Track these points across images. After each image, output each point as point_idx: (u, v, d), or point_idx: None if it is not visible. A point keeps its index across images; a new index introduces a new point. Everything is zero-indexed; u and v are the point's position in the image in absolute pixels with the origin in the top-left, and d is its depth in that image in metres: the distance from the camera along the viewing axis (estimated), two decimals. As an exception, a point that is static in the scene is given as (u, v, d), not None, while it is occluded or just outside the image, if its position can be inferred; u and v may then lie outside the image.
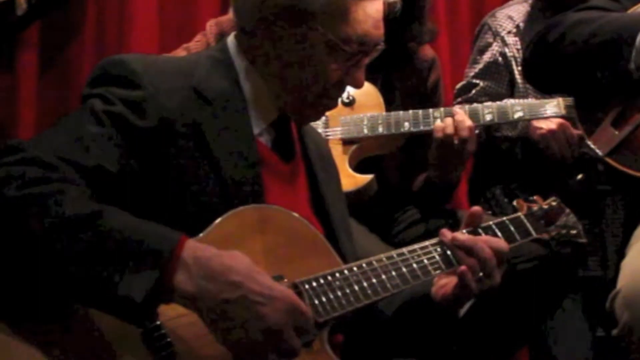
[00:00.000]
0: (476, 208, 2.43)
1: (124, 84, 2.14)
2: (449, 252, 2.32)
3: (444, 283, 2.31)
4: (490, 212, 3.73)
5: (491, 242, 2.32)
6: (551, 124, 3.58)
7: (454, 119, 3.28)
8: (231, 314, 1.90)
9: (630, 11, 2.75)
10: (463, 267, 2.26)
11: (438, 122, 3.32)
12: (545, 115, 3.44)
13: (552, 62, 2.72)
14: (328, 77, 2.26)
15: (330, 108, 2.39)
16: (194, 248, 1.92)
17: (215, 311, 1.91)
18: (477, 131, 3.67)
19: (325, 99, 2.32)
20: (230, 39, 2.35)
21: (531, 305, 3.18)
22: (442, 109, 3.39)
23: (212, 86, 2.24)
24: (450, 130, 3.26)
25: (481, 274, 2.28)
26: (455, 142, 3.26)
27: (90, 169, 2.02)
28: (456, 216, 3.43)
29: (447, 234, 2.33)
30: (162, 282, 1.87)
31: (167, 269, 1.88)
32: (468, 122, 3.27)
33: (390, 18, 2.34)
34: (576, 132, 3.45)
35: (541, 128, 3.61)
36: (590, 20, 2.69)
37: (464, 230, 2.39)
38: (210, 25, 3.56)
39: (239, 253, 1.96)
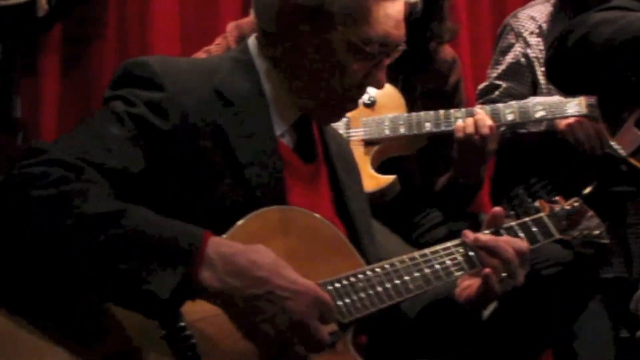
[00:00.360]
0: (497, 209, 2.43)
1: (146, 86, 2.15)
2: (471, 253, 2.31)
3: (467, 285, 2.31)
4: (512, 212, 3.70)
5: (513, 243, 2.33)
6: None
7: (474, 119, 3.27)
8: (257, 310, 1.91)
9: (651, 11, 2.73)
10: (487, 269, 2.26)
11: (459, 122, 3.32)
12: (566, 114, 3.42)
13: (575, 62, 2.71)
14: (349, 78, 2.26)
15: (351, 109, 2.39)
16: (218, 244, 1.93)
17: (241, 307, 1.91)
18: (502, 129, 3.67)
19: (347, 99, 2.32)
20: (252, 41, 2.36)
21: (555, 310, 3.17)
22: (463, 110, 3.39)
23: (234, 88, 2.24)
24: (470, 129, 3.25)
25: (504, 274, 2.27)
26: (476, 141, 3.25)
27: (113, 170, 2.02)
28: (478, 219, 3.42)
29: (469, 234, 2.34)
30: (188, 278, 1.87)
31: (193, 265, 1.88)
32: (488, 121, 3.27)
33: (411, 19, 2.34)
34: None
35: (568, 119, 3.58)
36: (612, 20, 2.67)
37: (486, 231, 2.38)
38: (231, 28, 3.57)
39: (264, 247, 1.97)
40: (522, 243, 2.35)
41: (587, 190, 2.66)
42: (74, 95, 4.28)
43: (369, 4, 2.21)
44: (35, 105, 4.17)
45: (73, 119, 4.14)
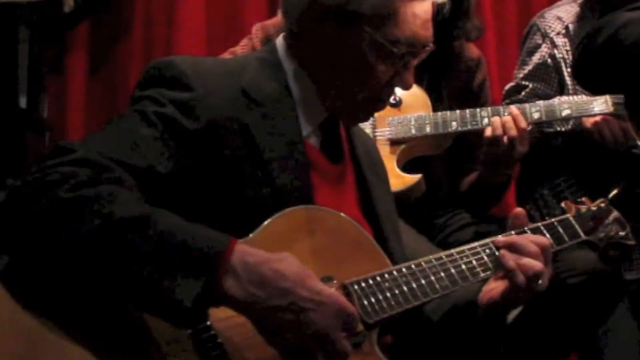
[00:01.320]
0: (518, 209, 2.42)
1: (174, 86, 2.15)
2: (497, 254, 2.30)
3: (491, 288, 2.30)
4: (538, 213, 3.71)
5: (535, 239, 2.31)
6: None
7: (501, 119, 3.27)
8: (280, 320, 1.90)
9: (679, 10, 2.72)
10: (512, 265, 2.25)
11: (487, 121, 3.31)
12: (592, 113, 3.41)
13: (603, 61, 2.71)
14: (376, 79, 2.25)
15: (379, 109, 2.39)
16: (243, 252, 1.91)
17: (264, 317, 1.91)
18: (529, 128, 3.65)
19: (374, 100, 2.32)
20: (279, 41, 2.36)
21: (580, 319, 3.16)
22: (489, 109, 3.38)
23: (261, 88, 2.24)
24: (499, 131, 3.24)
25: (530, 273, 2.26)
26: (505, 142, 3.24)
27: (141, 170, 2.02)
28: (506, 222, 3.42)
29: (500, 239, 2.34)
30: (211, 287, 1.86)
31: (216, 274, 1.87)
32: (521, 123, 3.26)
33: (439, 19, 2.33)
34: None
35: (595, 117, 3.57)
36: None
37: (512, 232, 2.38)
38: (256, 30, 3.58)
39: (289, 256, 1.95)
40: (544, 239, 2.33)
41: (614, 192, 2.65)
42: (101, 94, 4.30)
43: (396, 4, 2.20)
44: (62, 104, 4.20)
45: (100, 118, 4.16)
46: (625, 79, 2.70)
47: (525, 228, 2.42)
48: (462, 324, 2.37)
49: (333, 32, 2.24)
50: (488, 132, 3.27)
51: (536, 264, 2.25)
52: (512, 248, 2.29)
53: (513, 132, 3.24)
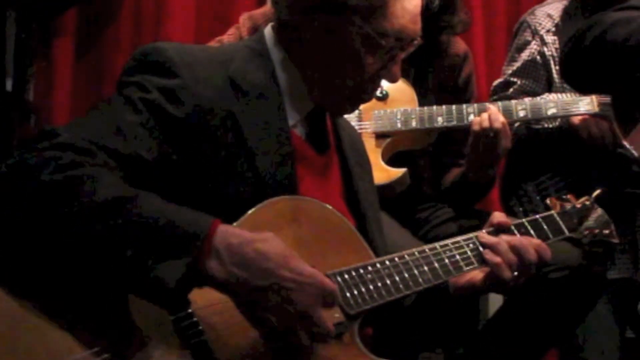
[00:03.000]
0: (498, 215, 2.43)
1: (161, 72, 2.14)
2: (481, 248, 2.32)
3: (472, 275, 2.34)
4: (521, 209, 3.72)
5: (537, 246, 2.35)
6: None
7: (488, 113, 3.27)
8: (263, 300, 1.92)
9: (670, 12, 2.73)
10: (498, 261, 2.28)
11: (475, 117, 3.31)
12: (578, 112, 3.42)
13: (591, 61, 2.71)
14: (364, 71, 2.26)
15: (365, 101, 2.39)
16: (226, 233, 1.93)
17: (247, 297, 1.92)
18: (516, 125, 3.66)
19: (361, 92, 2.32)
20: (267, 30, 2.35)
21: (561, 313, 3.17)
22: (475, 105, 3.38)
23: (248, 77, 2.24)
24: (486, 124, 3.25)
25: (516, 273, 2.29)
26: (490, 136, 3.24)
27: (125, 156, 2.02)
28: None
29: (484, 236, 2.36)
30: (194, 267, 1.88)
31: (199, 254, 1.88)
32: (500, 117, 3.26)
33: (427, 15, 2.33)
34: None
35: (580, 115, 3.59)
36: (629, 20, 2.67)
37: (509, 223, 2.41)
38: (244, 19, 3.57)
39: (272, 236, 1.97)
40: (546, 249, 2.36)
41: (596, 193, 2.66)
42: (87, 78, 4.28)
43: None
44: (48, 89, 4.17)
45: (86, 102, 4.14)
46: (612, 79, 2.71)
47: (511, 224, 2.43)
48: (432, 305, 2.40)
49: (322, 23, 2.23)
50: (475, 126, 3.27)
51: (530, 268, 2.31)
52: (515, 250, 2.31)
53: (497, 124, 3.24)
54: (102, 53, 4.34)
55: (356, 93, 2.31)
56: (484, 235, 2.36)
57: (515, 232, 2.41)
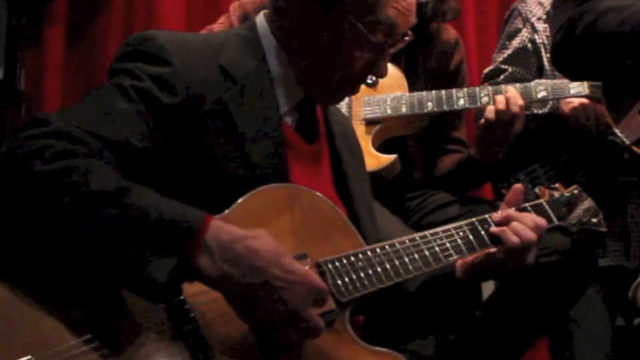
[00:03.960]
0: (518, 185, 2.49)
1: (153, 60, 2.15)
2: (471, 237, 2.35)
3: (476, 255, 2.37)
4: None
5: (537, 220, 2.39)
6: (583, 99, 3.56)
7: (506, 96, 3.27)
8: (254, 298, 1.92)
9: (661, 0, 2.73)
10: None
11: (462, 102, 3.32)
12: (569, 95, 3.43)
13: (582, 48, 2.70)
14: (353, 64, 2.28)
15: (352, 93, 2.43)
16: (218, 230, 1.91)
17: (237, 294, 1.92)
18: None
19: (349, 84, 2.34)
20: (259, 18, 2.36)
21: (552, 298, 3.17)
22: (465, 90, 3.38)
23: (239, 65, 2.25)
24: (502, 106, 3.25)
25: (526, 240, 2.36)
26: (507, 119, 3.25)
27: (117, 143, 2.02)
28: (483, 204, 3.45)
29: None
30: (185, 263, 1.87)
31: (190, 250, 1.88)
32: (520, 100, 3.27)
33: (419, 16, 2.35)
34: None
35: (572, 102, 3.59)
36: (622, 8, 2.66)
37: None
38: (234, 7, 3.57)
39: (264, 233, 1.96)
40: (543, 221, 2.40)
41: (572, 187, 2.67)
42: (79, 67, 4.27)
43: None
44: (39, 77, 4.16)
45: (77, 90, 4.13)
46: (604, 67, 2.70)
47: (499, 212, 2.45)
48: (438, 290, 2.43)
49: (316, 15, 2.25)
50: (490, 111, 3.28)
51: (531, 234, 2.34)
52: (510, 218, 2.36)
53: (515, 108, 3.25)
54: (93, 40, 4.33)
55: (344, 85, 2.33)
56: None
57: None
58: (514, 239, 2.32)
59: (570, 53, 2.75)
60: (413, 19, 2.30)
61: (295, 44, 2.30)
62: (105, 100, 2.09)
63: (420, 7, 2.31)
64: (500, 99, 3.27)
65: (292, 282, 1.94)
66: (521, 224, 2.35)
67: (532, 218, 2.38)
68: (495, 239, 2.37)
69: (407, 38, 2.32)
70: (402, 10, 2.26)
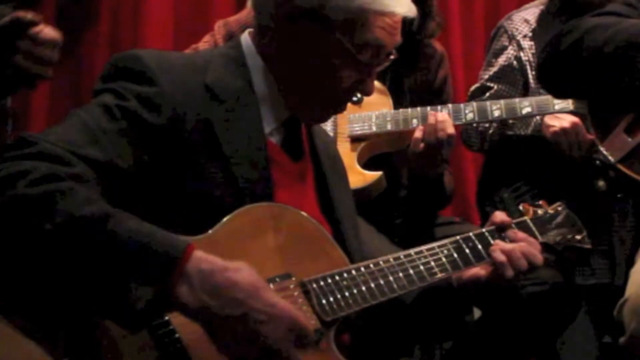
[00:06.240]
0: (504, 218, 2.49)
1: (138, 80, 2.14)
2: (455, 255, 2.36)
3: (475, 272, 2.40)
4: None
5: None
6: (564, 122, 3.56)
7: (435, 118, 3.29)
8: (232, 330, 1.89)
9: (646, 18, 2.74)
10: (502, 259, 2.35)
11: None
12: (553, 111, 3.44)
13: (567, 67, 2.71)
14: (339, 83, 2.27)
15: (339, 112, 2.42)
16: (199, 260, 1.89)
17: (216, 326, 1.89)
18: (490, 131, 3.68)
19: (335, 103, 2.34)
20: (244, 37, 2.36)
21: (540, 328, 3.18)
22: (449, 105, 3.39)
23: (225, 84, 2.24)
24: (431, 135, 3.28)
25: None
26: (433, 143, 3.27)
27: (102, 164, 2.01)
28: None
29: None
30: (165, 293, 1.85)
31: (170, 280, 1.85)
32: (449, 127, 3.29)
33: (406, 31, 2.35)
34: (589, 136, 3.43)
35: (554, 126, 3.60)
36: (606, 26, 2.68)
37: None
38: (219, 26, 3.59)
39: (245, 265, 1.93)
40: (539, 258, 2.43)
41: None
42: (65, 84, 4.27)
43: (367, 14, 2.22)
44: (26, 94, 4.16)
45: (64, 108, 4.13)
46: (588, 85, 2.71)
47: (484, 230, 2.46)
48: (435, 302, 2.42)
49: (302, 34, 2.25)
50: (418, 133, 3.29)
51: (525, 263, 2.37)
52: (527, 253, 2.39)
53: (442, 134, 3.27)
54: (80, 57, 4.34)
55: (330, 103, 2.33)
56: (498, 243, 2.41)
57: (490, 238, 2.44)
58: (510, 271, 2.36)
59: (555, 71, 2.76)
60: (399, 38, 2.30)
61: (282, 62, 2.29)
62: (90, 120, 2.07)
63: (405, 24, 2.31)
64: (431, 120, 3.29)
65: (273, 315, 1.91)
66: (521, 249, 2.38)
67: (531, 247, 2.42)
68: (480, 257, 2.38)
69: (392, 57, 2.32)
70: (388, 30, 2.26)
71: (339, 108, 2.38)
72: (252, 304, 1.89)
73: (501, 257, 2.36)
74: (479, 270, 2.40)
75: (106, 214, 1.88)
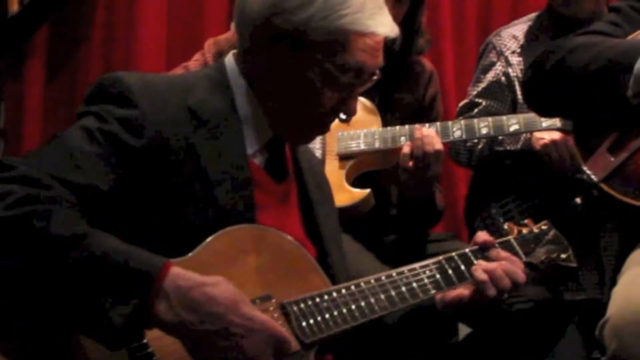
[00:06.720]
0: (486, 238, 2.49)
1: (120, 102, 2.15)
2: (438, 276, 2.36)
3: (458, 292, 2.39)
4: (486, 231, 3.73)
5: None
6: (555, 135, 3.57)
7: (421, 134, 3.29)
8: (211, 345, 1.91)
9: (630, 37, 2.73)
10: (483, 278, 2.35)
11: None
12: (541, 128, 3.44)
13: (551, 86, 2.72)
14: (322, 104, 2.27)
15: (322, 133, 2.43)
16: (176, 276, 1.91)
17: (195, 341, 1.91)
18: (479, 146, 3.68)
19: (318, 124, 2.34)
20: (228, 58, 2.37)
21: (528, 345, 3.19)
22: (437, 124, 3.39)
23: (208, 106, 2.25)
24: (418, 150, 3.28)
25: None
26: (420, 160, 3.27)
27: (82, 187, 2.02)
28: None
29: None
30: (143, 309, 1.87)
31: (148, 296, 1.87)
32: (437, 143, 3.28)
33: (388, 50, 2.36)
34: None
35: (543, 138, 3.61)
36: (590, 46, 2.68)
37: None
38: (209, 45, 3.59)
39: (223, 280, 1.96)
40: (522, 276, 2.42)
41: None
42: (58, 102, 4.29)
43: (348, 36, 2.22)
44: (19, 113, 4.18)
45: (57, 128, 4.14)
46: (573, 104, 2.72)
47: (466, 250, 2.46)
48: (418, 323, 2.42)
49: (283, 55, 2.25)
50: (406, 148, 3.29)
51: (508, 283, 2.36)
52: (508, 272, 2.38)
53: (430, 148, 3.27)
54: (73, 74, 4.37)
55: (314, 125, 2.34)
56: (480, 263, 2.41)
57: (472, 258, 2.44)
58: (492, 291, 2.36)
59: (540, 90, 2.76)
60: (381, 59, 2.30)
61: (264, 84, 2.30)
62: (71, 143, 2.09)
63: (387, 45, 2.31)
64: (417, 134, 3.29)
65: (251, 329, 1.93)
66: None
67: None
68: (463, 277, 2.39)
69: (375, 77, 2.32)
70: (370, 52, 2.25)
71: (322, 129, 2.38)
72: (231, 318, 1.92)
73: (483, 276, 2.35)
74: (462, 291, 2.39)
75: (83, 234, 1.91)
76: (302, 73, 2.25)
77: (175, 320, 1.89)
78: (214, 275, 1.96)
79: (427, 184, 3.37)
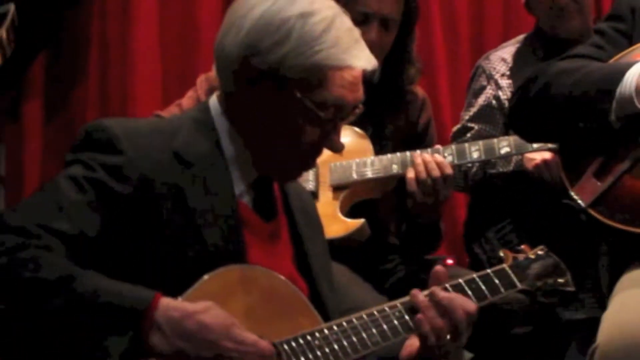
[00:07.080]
0: (440, 268, 2.43)
1: (105, 149, 2.18)
2: (406, 317, 2.31)
3: (410, 344, 2.33)
4: (485, 256, 3.74)
5: (463, 303, 2.32)
6: (546, 154, 3.58)
7: (423, 159, 3.29)
8: None
9: (613, 60, 2.75)
10: (425, 328, 2.28)
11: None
12: (532, 149, 3.45)
13: (536, 112, 2.73)
14: (305, 141, 2.28)
15: (307, 169, 2.44)
16: (167, 307, 1.98)
17: None
18: (473, 170, 3.69)
19: (302, 160, 2.35)
20: (212, 100, 2.38)
21: None
22: (429, 150, 3.39)
23: (193, 148, 2.27)
24: (423, 175, 3.27)
25: (448, 336, 2.29)
26: (429, 183, 3.27)
27: (70, 236, 2.06)
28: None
29: (418, 294, 2.33)
30: (137, 342, 1.93)
31: (141, 330, 1.94)
32: (447, 169, 3.28)
33: (367, 83, 2.36)
34: None
35: (535, 159, 3.62)
36: (573, 70, 2.69)
37: (445, 285, 2.39)
38: (200, 81, 3.60)
39: (212, 305, 2.02)
40: (471, 305, 2.34)
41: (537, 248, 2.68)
42: (57, 145, 4.29)
43: (326, 71, 2.23)
44: (19, 156, 4.21)
45: (56, 171, 4.16)
46: (557, 130, 2.73)
47: (460, 280, 2.44)
48: None
49: (263, 95, 2.26)
50: (410, 173, 3.29)
51: (458, 329, 2.29)
52: (442, 308, 2.30)
53: (436, 172, 3.27)
54: (70, 114, 4.38)
55: (298, 161, 2.35)
56: (416, 294, 2.34)
57: (467, 288, 2.42)
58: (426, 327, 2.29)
59: (525, 116, 2.78)
60: (361, 93, 2.30)
61: (246, 124, 2.31)
62: (59, 192, 2.12)
63: (365, 78, 2.32)
64: (418, 160, 3.29)
65: (244, 352, 2.01)
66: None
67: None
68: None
69: (357, 110, 2.33)
70: (348, 86, 2.26)
71: (307, 165, 2.40)
72: (224, 343, 2.00)
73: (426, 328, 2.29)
74: (413, 342, 2.33)
75: (71, 276, 1.97)
76: (283, 111, 2.27)
77: (172, 350, 1.96)
78: (202, 302, 2.02)
79: (435, 209, 3.37)
